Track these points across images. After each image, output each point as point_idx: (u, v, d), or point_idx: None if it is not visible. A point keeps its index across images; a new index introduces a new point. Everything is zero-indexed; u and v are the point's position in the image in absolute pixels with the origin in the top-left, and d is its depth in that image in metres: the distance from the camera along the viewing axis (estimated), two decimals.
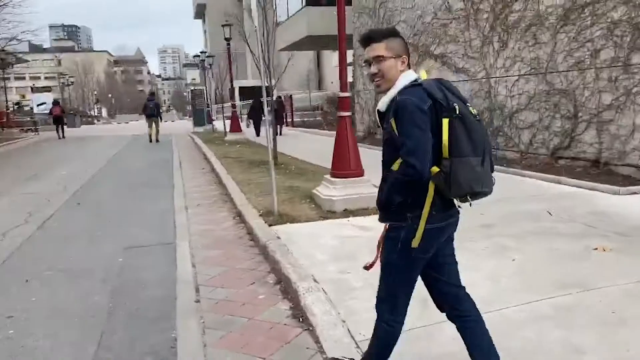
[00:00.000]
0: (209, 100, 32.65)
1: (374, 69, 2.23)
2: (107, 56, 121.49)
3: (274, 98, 29.57)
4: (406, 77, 2.21)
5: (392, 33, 2.27)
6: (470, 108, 2.13)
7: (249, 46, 12.12)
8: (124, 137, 25.29)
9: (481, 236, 5.00)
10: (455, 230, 2.34)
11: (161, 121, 21.65)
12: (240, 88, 41.88)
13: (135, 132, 29.15)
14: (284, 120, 24.15)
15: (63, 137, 24.74)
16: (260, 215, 6.24)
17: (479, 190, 2.11)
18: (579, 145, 8.32)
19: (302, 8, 25.37)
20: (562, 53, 8.44)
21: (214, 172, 10.92)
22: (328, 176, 6.58)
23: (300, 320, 3.49)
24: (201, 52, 28.54)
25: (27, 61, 41.27)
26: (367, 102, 16.22)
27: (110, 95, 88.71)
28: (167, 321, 3.67)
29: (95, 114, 60.41)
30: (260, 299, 3.96)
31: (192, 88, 40.88)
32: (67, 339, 3.47)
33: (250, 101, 30.65)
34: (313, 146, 15.07)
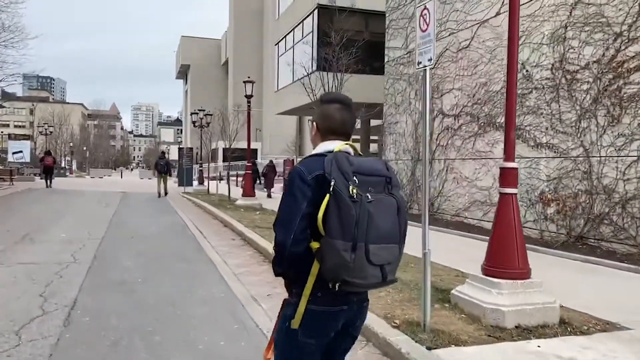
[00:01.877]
0: (200, 159, 31.03)
1: None
2: (81, 109, 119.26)
3: (267, 162, 29.20)
4: (321, 147, 2.11)
5: (320, 100, 2.24)
6: (353, 188, 1.84)
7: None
8: (110, 193, 23.12)
9: None
10: (357, 325, 2.14)
11: (170, 177, 23.77)
12: (224, 149, 40.75)
13: (120, 189, 27.00)
14: (273, 184, 23.68)
15: (50, 186, 25.54)
16: (395, 326, 4.44)
17: (349, 279, 1.85)
18: None
19: (312, 72, 24.41)
20: None
21: (250, 245, 9.10)
22: (477, 273, 4.88)
23: None
24: (199, 110, 27.04)
25: (2, 107, 39.03)
26: (399, 172, 14.79)
27: (85, 148, 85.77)
28: None
29: (67, 167, 57.60)
30: None
31: (180, 146, 39.30)
32: None
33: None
34: None
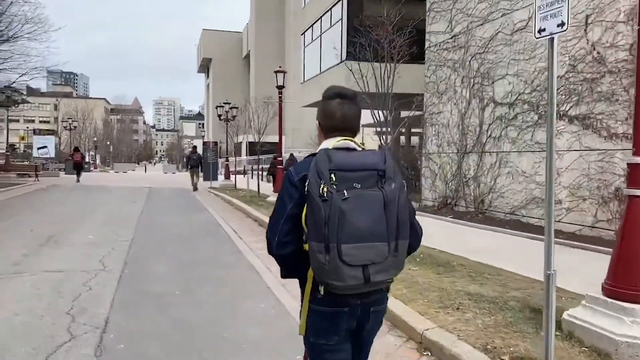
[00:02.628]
0: (227, 153, 30.39)
1: None
2: (104, 104, 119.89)
3: (288, 155, 28.83)
4: (321, 146, 2.06)
5: (322, 96, 2.15)
6: (324, 186, 1.79)
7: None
8: (136, 189, 22.53)
9: None
10: (368, 329, 2.08)
11: (201, 172, 24.60)
12: (250, 143, 40.05)
13: (146, 184, 26.45)
14: None
15: (79, 181, 26.63)
16: None
17: (329, 281, 1.82)
18: None
19: (340, 62, 23.46)
20: None
21: None
22: (596, 294, 3.93)
23: None
24: (225, 103, 26.29)
25: (29, 103, 38.83)
26: (442, 166, 13.82)
27: (108, 142, 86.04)
28: None
29: (91, 162, 57.55)
30: None
31: (204, 140, 38.78)
32: None
33: (270, 156, 28.80)
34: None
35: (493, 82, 11.78)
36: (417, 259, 6.91)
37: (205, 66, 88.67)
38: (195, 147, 27.49)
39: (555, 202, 9.77)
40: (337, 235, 1.77)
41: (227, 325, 4.73)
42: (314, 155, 1.96)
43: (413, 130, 37.24)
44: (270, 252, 2.00)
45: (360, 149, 2.04)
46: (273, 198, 15.56)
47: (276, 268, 6.67)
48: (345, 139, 2.03)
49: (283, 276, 2.10)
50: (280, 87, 15.84)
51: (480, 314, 4.59)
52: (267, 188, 18.86)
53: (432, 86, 14.37)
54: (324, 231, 1.78)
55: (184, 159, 23.86)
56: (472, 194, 12.48)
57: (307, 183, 1.84)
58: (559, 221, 9.66)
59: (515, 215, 10.98)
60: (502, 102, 11.45)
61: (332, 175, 1.82)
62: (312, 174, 1.84)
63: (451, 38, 13.47)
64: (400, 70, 22.56)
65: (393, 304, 4.89)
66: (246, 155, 46.08)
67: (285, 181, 1.99)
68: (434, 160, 14.25)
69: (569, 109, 9.57)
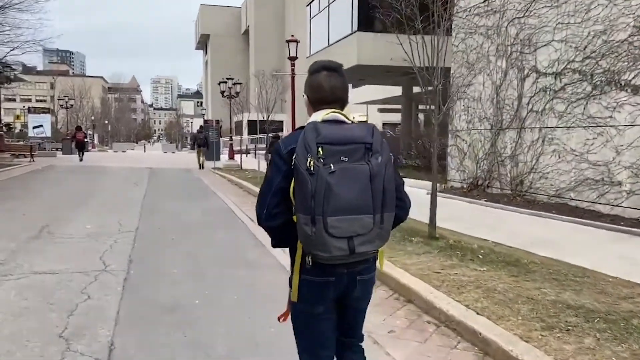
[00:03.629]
0: (230, 132, 29.21)
1: None
2: (102, 82, 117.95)
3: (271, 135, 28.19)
4: (310, 119, 2.07)
5: (308, 71, 2.17)
6: (311, 160, 1.82)
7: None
8: (136, 170, 21.37)
9: None
10: (354, 297, 2.14)
11: (208, 150, 24.83)
12: (249, 122, 38.83)
13: (146, 164, 25.28)
14: None
15: (82, 160, 26.96)
16: None
17: (315, 252, 1.89)
18: None
19: (351, 33, 22.11)
20: None
21: None
22: None
23: None
24: (228, 79, 25.00)
25: (24, 81, 37.39)
26: (473, 144, 12.66)
27: (106, 121, 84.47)
28: None
29: (89, 141, 56.18)
30: None
31: (205, 119, 37.56)
32: None
33: (265, 135, 27.89)
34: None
35: (535, 50, 10.55)
36: (480, 256, 5.80)
37: (203, 42, 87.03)
38: (201, 126, 27.58)
39: (609, 183, 8.67)
40: (323, 208, 1.81)
41: (268, 354, 3.64)
42: (302, 128, 1.96)
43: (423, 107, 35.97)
44: (259, 223, 2.03)
45: (349, 122, 2.03)
46: None
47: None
48: (334, 112, 2.04)
49: (273, 245, 2.13)
50: (292, 59, 14.59)
51: (604, 339, 3.49)
52: None
53: (460, 56, 13.12)
54: (310, 204, 1.82)
55: (189, 139, 25.25)
56: (509, 174, 11.34)
57: (294, 156, 1.86)
58: (618, 205, 8.55)
59: (561, 198, 9.86)
60: (547, 72, 10.24)
61: (320, 149, 1.85)
62: (300, 147, 1.87)
63: (483, 2, 12.18)
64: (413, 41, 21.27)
65: (479, 322, 3.79)
66: (247, 134, 44.87)
67: (274, 154, 2.01)
68: (462, 138, 13.08)
69: (632, 78, 8.37)
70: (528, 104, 10.75)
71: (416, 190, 15.15)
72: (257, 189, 12.89)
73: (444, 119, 16.13)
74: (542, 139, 10.37)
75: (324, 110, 2.04)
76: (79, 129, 30.93)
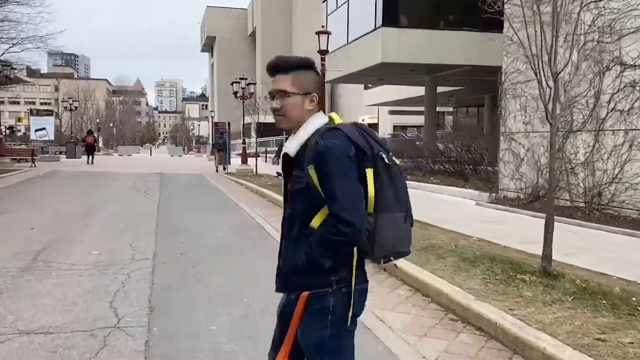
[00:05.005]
0: (242, 135, 27.74)
1: (275, 104, 1.92)
2: (106, 85, 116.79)
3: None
4: (318, 119, 1.93)
5: (304, 65, 1.94)
6: (393, 157, 1.90)
7: None
8: (145, 175, 19.86)
9: None
10: None
11: (226, 154, 25.22)
12: (258, 124, 37.39)
13: (154, 168, 23.78)
14: None
15: (92, 162, 27.69)
16: None
17: (403, 249, 1.92)
18: None
19: (375, 29, 20.55)
20: None
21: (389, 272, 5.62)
22: None
23: None
24: (241, 79, 23.47)
25: (25, 81, 35.95)
26: (532, 148, 11.07)
27: (111, 124, 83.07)
28: None
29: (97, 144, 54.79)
30: None
31: (216, 122, 36.12)
32: None
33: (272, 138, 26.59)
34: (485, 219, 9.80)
35: (620, 38, 8.97)
36: (616, 304, 4.19)
37: (209, 45, 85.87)
38: (222, 132, 27.67)
39: None
40: (407, 204, 1.90)
41: None
42: (333, 129, 1.86)
43: (439, 109, 34.39)
44: (357, 236, 1.78)
45: None
46: None
47: (392, 317, 3.81)
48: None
49: (328, 265, 1.83)
50: (323, 52, 13.01)
51: None
52: None
53: (515, 49, 11.52)
54: (405, 200, 1.87)
55: (212, 144, 26.76)
56: (582, 184, 9.74)
57: (383, 156, 1.83)
58: None
59: None
60: (636, 64, 8.65)
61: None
62: (378, 147, 1.85)
63: None
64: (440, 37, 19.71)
65: None
66: (256, 137, 43.44)
67: (342, 157, 1.79)
68: (518, 142, 11.48)
69: None
70: (609, 102, 9.15)
71: (460, 200, 13.15)
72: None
73: (493, 120, 14.57)
74: (630, 143, 8.77)
75: (333, 113, 1.99)
76: (90, 132, 31.72)
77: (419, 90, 28.92)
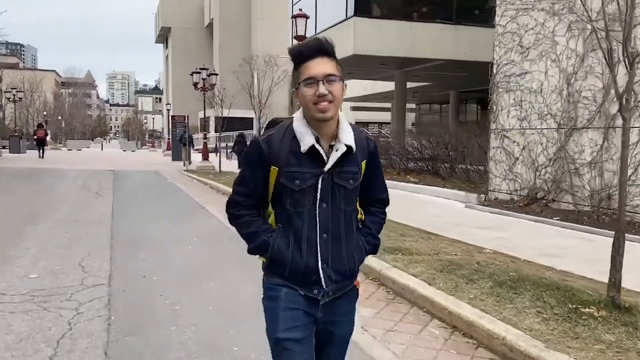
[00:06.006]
0: (204, 129, 26.22)
1: (323, 89, 1.72)
2: (54, 76, 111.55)
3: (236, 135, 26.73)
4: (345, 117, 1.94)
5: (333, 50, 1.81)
6: None
7: None
8: (97, 173, 18.15)
9: None
10: None
11: (193, 148, 25.06)
12: (217, 118, 35.85)
13: (107, 165, 22.01)
14: None
15: (42, 157, 27.47)
16: None
17: None
18: None
19: (346, 19, 19.47)
20: None
21: (408, 301, 4.55)
22: None
23: None
24: (202, 69, 21.94)
25: None
26: (528, 147, 10.22)
27: (59, 117, 78.98)
28: None
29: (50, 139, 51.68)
30: None
31: (173, 115, 34.48)
32: None
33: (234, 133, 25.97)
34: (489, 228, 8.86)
35: (635, 26, 8.14)
36: None
37: (164, 36, 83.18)
38: (185, 126, 27.60)
39: None
40: None
41: None
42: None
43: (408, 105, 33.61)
44: None
45: None
46: None
47: None
48: None
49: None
50: (301, 38, 11.78)
51: None
52: None
53: (509, 38, 10.64)
54: None
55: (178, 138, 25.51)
56: (588, 186, 8.92)
57: None
58: None
59: None
60: None
61: None
62: None
63: None
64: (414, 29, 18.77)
65: None
66: (215, 131, 41.82)
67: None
68: (512, 139, 10.61)
69: None
70: (633, 96, 8.32)
71: (445, 201, 11.60)
72: None
73: (484, 116, 13.70)
74: None
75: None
76: (40, 126, 31.76)
77: (384, 86, 28.09)
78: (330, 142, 1.80)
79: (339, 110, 1.81)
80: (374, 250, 1.97)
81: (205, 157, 23.50)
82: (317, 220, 1.80)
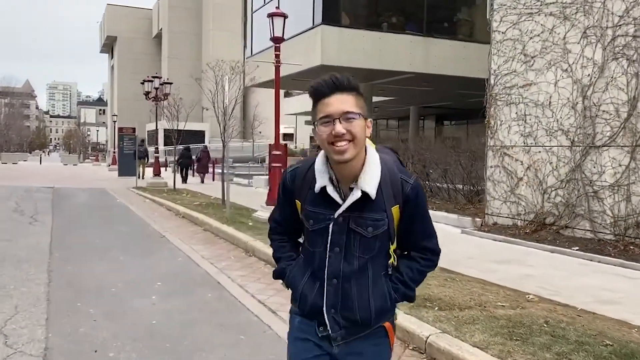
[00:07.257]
0: (155, 142, 24.34)
1: (340, 128, 1.59)
2: None
3: (201, 147, 25.47)
4: (373, 148, 1.74)
5: (358, 86, 1.68)
6: None
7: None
8: (33, 192, 15.99)
9: None
10: None
11: (147, 162, 24.32)
12: (165, 130, 33.96)
13: (45, 181, 19.76)
14: (208, 169, 23.06)
15: None
16: None
17: None
18: None
19: (313, 27, 18.22)
20: None
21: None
22: None
23: None
24: (154, 77, 20.13)
25: None
26: (534, 166, 9.16)
27: None
28: None
29: None
30: None
31: (120, 127, 32.22)
32: None
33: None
34: None
35: None
36: None
37: (109, 45, 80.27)
38: (143, 139, 26.28)
39: None
40: None
41: None
42: (400, 161, 1.84)
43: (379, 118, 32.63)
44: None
45: None
46: (263, 213, 10.03)
47: None
48: None
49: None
50: (277, 40, 10.33)
51: None
52: (238, 193, 12.68)
53: (509, 46, 9.61)
54: None
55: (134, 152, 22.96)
56: (610, 211, 7.89)
57: None
58: None
59: None
60: None
61: None
62: None
63: None
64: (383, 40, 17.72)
65: None
66: (163, 145, 39.64)
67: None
68: (514, 157, 9.52)
69: None
70: None
71: (436, 225, 9.59)
72: (230, 230, 8.57)
73: (480, 132, 12.64)
74: None
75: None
76: None
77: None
78: (351, 184, 1.67)
79: (364, 150, 1.67)
80: (405, 299, 1.78)
81: (157, 173, 21.57)
82: (327, 264, 1.70)
